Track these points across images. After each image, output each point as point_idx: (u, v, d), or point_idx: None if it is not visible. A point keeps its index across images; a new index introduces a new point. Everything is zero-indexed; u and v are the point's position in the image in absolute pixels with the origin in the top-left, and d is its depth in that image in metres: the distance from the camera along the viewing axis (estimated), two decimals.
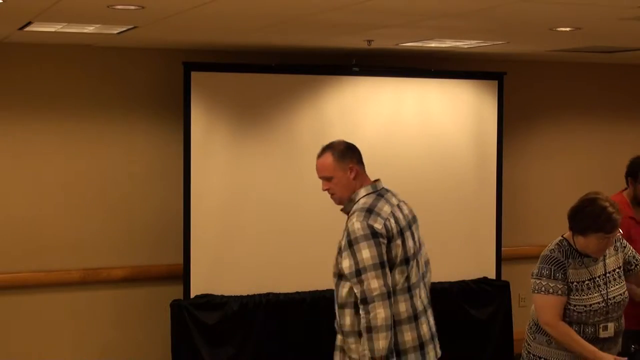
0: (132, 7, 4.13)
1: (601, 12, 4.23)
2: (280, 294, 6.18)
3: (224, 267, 6.09)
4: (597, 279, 4.00)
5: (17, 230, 5.92)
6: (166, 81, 6.16)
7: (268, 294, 6.15)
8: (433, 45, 5.82)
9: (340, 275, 3.93)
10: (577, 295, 4.00)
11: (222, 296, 6.06)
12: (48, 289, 6.01)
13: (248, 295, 6.11)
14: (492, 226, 6.77)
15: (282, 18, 4.56)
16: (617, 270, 4.08)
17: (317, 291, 6.26)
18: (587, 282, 4.00)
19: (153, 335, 6.21)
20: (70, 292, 6.07)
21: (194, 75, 5.94)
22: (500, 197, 6.80)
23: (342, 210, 4.13)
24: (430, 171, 6.54)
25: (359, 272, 3.78)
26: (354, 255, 3.81)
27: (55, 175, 6.01)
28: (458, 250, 6.64)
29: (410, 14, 4.38)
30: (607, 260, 4.07)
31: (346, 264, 3.84)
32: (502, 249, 6.81)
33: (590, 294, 4.00)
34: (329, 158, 4.04)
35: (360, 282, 3.77)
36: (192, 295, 6.01)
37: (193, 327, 5.95)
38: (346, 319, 3.88)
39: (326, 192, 4.09)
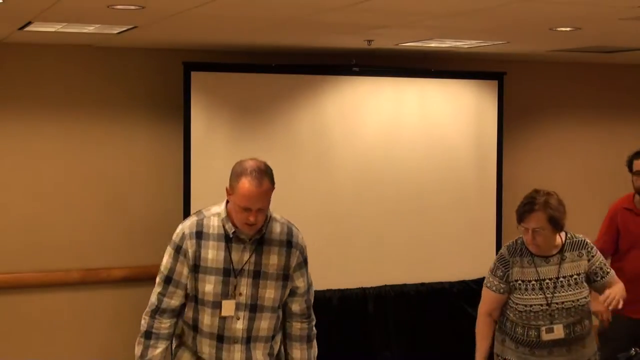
0: (132, 7, 4.13)
1: (601, 12, 4.24)
2: None
3: None
4: (547, 281, 3.94)
5: (17, 230, 5.92)
6: (166, 81, 6.15)
7: None
8: (433, 45, 5.82)
9: (273, 308, 3.49)
10: (519, 294, 3.98)
11: None
12: (48, 289, 6.01)
13: None
14: (492, 226, 6.77)
15: (282, 18, 4.56)
16: (576, 276, 3.99)
17: (316, 291, 6.20)
18: (532, 282, 3.96)
19: None
20: (70, 292, 6.07)
21: (194, 75, 5.94)
22: (500, 197, 6.80)
23: (250, 237, 3.44)
24: (430, 171, 6.54)
25: (309, 289, 3.66)
26: (307, 272, 3.62)
27: (55, 175, 6.01)
28: (458, 250, 6.64)
29: (410, 14, 4.38)
30: (563, 265, 3.98)
31: (303, 283, 3.58)
32: None
33: (533, 295, 3.95)
34: (268, 185, 3.40)
35: (310, 297, 3.66)
36: None
37: None
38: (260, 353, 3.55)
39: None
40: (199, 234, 3.41)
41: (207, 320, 3.43)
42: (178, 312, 3.48)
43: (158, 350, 3.46)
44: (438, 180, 6.54)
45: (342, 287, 6.34)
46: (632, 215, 4.97)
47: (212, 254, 3.39)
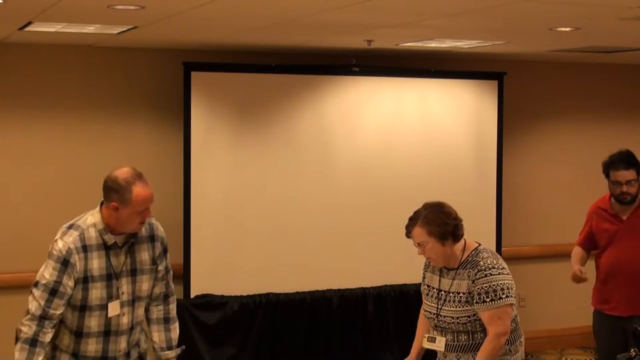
0: (132, 7, 4.14)
1: (601, 12, 4.24)
2: (280, 294, 6.18)
3: (224, 267, 6.09)
4: (443, 292, 3.91)
5: (17, 230, 5.92)
6: (166, 81, 6.15)
7: (268, 294, 6.15)
8: (433, 45, 5.82)
9: (147, 296, 3.81)
10: (425, 299, 4.02)
11: (222, 296, 6.06)
12: None
13: (248, 295, 6.12)
14: (492, 226, 6.77)
15: (282, 18, 4.56)
16: (461, 294, 3.83)
17: (317, 291, 6.27)
18: (434, 289, 3.95)
19: None
20: None
21: (194, 75, 5.95)
22: (500, 197, 6.80)
23: (124, 242, 3.68)
24: (430, 171, 6.55)
25: (168, 272, 3.92)
26: (167, 258, 3.89)
27: (56, 175, 6.01)
28: None
29: (410, 14, 4.38)
30: (455, 280, 3.87)
31: (163, 267, 3.85)
32: (502, 249, 6.81)
33: (431, 302, 3.96)
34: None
35: (169, 280, 3.94)
36: (192, 295, 6.01)
37: (193, 327, 5.95)
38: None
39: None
40: (84, 248, 3.61)
41: (94, 322, 3.65)
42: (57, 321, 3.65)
43: (40, 358, 3.58)
44: (438, 180, 6.54)
45: (342, 287, 6.35)
46: (606, 214, 5.09)
47: (97, 263, 3.61)
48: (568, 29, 4.89)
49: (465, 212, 6.71)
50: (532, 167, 7.30)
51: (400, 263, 6.47)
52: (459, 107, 6.64)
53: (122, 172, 3.61)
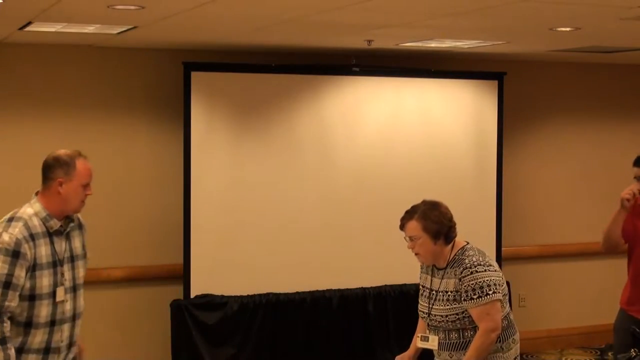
0: (132, 7, 4.14)
1: (601, 12, 4.24)
2: (280, 294, 6.18)
3: (224, 267, 6.09)
4: (434, 292, 3.97)
5: None
6: (166, 81, 6.16)
7: (268, 294, 6.16)
8: (433, 45, 5.83)
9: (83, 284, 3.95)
10: (419, 299, 4.08)
11: (222, 296, 6.07)
12: None
13: (248, 295, 6.12)
14: (492, 226, 6.77)
15: (282, 18, 4.56)
16: (449, 293, 3.89)
17: (317, 291, 6.27)
18: (427, 289, 4.02)
19: (153, 335, 6.21)
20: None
21: (194, 75, 5.95)
22: (500, 197, 6.80)
23: (66, 228, 3.81)
24: (430, 171, 6.55)
25: None
26: None
27: None
28: None
29: (410, 14, 4.38)
30: (444, 279, 3.93)
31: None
32: (502, 248, 6.81)
33: (424, 301, 4.02)
34: None
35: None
36: (192, 295, 6.02)
37: (193, 327, 5.96)
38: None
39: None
40: (32, 236, 3.66)
41: (44, 311, 3.69)
42: None
43: (13, 351, 3.60)
44: (438, 180, 6.54)
45: (342, 287, 6.35)
46: (638, 209, 4.74)
47: (44, 250, 3.69)
48: (568, 29, 4.89)
49: (465, 211, 6.74)
50: (532, 167, 7.30)
51: (400, 263, 6.45)
52: (459, 107, 6.64)
53: (62, 151, 3.82)
